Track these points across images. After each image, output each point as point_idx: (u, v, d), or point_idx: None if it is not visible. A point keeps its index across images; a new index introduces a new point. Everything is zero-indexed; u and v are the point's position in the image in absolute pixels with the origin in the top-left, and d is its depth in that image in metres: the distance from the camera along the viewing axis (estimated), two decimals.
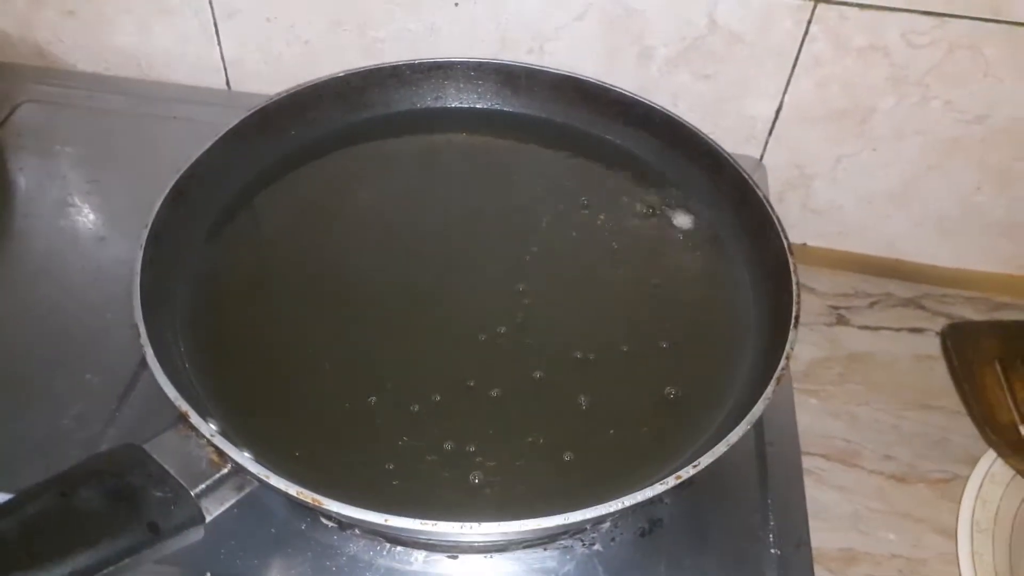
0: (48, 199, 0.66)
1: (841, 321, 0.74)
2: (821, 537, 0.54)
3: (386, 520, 0.39)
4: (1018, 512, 0.59)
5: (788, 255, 0.52)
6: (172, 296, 0.52)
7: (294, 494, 0.40)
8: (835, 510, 0.60)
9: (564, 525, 0.40)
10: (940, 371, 0.70)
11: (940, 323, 0.73)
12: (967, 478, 0.61)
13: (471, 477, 0.47)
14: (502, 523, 0.40)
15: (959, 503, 0.60)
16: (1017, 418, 0.62)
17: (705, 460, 0.42)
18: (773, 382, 0.45)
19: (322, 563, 0.48)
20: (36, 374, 0.55)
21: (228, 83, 0.77)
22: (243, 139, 0.59)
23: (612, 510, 0.40)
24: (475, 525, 0.40)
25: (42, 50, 0.77)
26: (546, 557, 0.49)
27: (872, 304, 0.76)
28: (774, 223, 0.54)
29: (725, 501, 0.52)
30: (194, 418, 0.42)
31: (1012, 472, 0.60)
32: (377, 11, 0.70)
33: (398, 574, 0.48)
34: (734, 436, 0.43)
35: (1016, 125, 0.67)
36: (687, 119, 0.63)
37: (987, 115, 0.66)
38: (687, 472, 0.41)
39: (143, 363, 0.55)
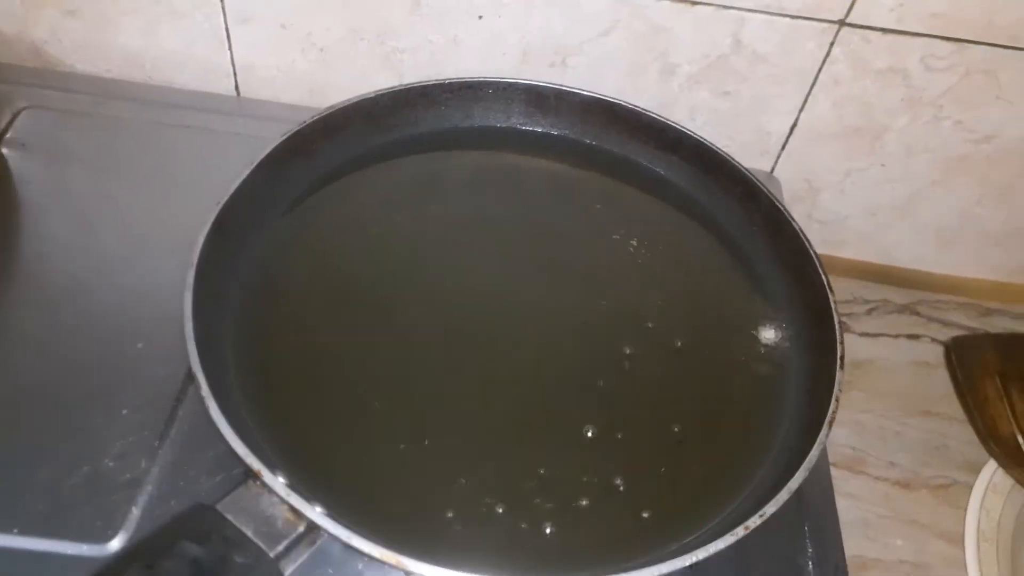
0: (61, 217, 0.63)
1: (843, 328, 0.76)
2: None
3: None
4: (1018, 520, 0.62)
5: (828, 292, 0.53)
6: (220, 337, 0.51)
7: (377, 556, 0.40)
8: (845, 517, 0.62)
9: None
10: (937, 378, 0.72)
11: (934, 329, 0.76)
12: (966, 484, 0.64)
13: (534, 524, 0.47)
14: None
15: (959, 508, 0.62)
16: (1017, 431, 0.64)
17: (770, 509, 0.43)
18: (826, 426, 0.46)
19: None
20: (71, 411, 0.53)
21: (237, 89, 0.75)
22: (279, 164, 0.57)
23: (675, 568, 0.41)
24: None
25: (38, 49, 0.73)
26: None
27: (870, 311, 0.78)
28: (812, 259, 0.55)
29: (766, 530, 0.54)
30: (267, 476, 0.41)
31: (1012, 481, 0.63)
32: (398, 21, 0.68)
33: None
34: (795, 483, 0.44)
35: (1023, 145, 0.69)
36: (708, 137, 0.63)
37: (995, 135, 0.68)
38: (754, 522, 0.42)
39: (179, 396, 0.55)
